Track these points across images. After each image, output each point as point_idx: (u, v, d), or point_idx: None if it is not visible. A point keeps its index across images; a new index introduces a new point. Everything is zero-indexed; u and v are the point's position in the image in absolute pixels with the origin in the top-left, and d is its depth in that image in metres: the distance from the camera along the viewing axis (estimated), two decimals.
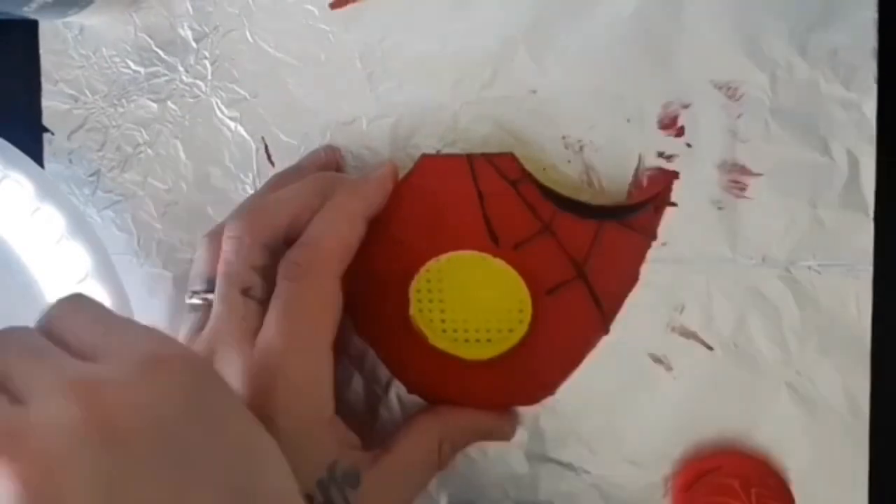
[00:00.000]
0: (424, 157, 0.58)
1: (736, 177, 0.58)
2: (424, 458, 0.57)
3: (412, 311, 0.58)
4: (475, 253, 0.57)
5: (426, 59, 0.61)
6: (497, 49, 0.60)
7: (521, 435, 0.61)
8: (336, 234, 0.53)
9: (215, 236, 0.55)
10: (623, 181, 0.60)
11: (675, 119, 0.59)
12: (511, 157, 0.57)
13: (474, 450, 0.61)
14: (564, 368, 0.59)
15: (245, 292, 0.52)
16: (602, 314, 0.58)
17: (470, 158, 0.57)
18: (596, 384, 0.60)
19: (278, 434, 0.48)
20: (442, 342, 0.58)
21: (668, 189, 0.59)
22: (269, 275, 0.53)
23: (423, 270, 0.58)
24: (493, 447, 0.61)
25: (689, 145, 0.59)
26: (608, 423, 0.60)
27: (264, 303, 0.52)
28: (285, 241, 0.54)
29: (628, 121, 0.59)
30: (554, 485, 0.61)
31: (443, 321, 0.58)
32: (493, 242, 0.57)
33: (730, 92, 0.58)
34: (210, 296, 0.54)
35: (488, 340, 0.58)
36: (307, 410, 0.52)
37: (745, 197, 0.58)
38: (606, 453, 0.60)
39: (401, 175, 0.58)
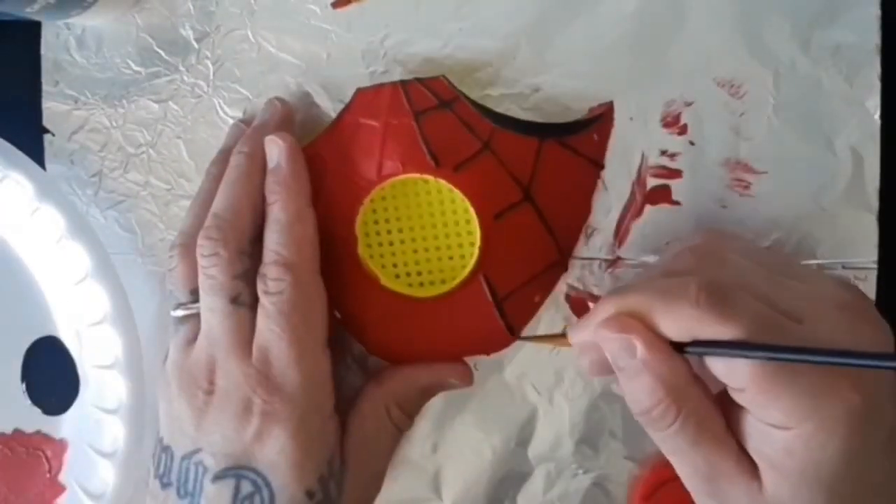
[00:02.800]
0: (359, 90, 0.57)
1: (739, 174, 0.57)
2: (377, 428, 0.57)
3: (360, 250, 0.57)
4: (417, 176, 0.56)
5: (429, 57, 0.60)
6: (500, 47, 0.59)
7: (523, 434, 0.60)
8: (297, 240, 0.54)
9: (187, 248, 0.56)
10: (626, 180, 0.58)
11: (677, 117, 0.58)
12: (443, 80, 0.57)
13: (477, 450, 0.61)
14: (525, 306, 0.59)
15: (234, 300, 0.53)
16: (556, 243, 0.58)
17: (403, 84, 0.57)
18: (598, 383, 0.59)
19: (286, 433, 0.51)
20: (393, 282, 0.57)
21: (610, 116, 0.58)
22: (251, 278, 0.54)
23: (367, 202, 0.56)
24: (496, 447, 0.61)
25: (692, 143, 0.58)
26: (610, 422, 0.59)
27: (253, 307, 0.53)
28: (254, 237, 0.55)
29: (631, 119, 0.58)
30: (557, 484, 0.60)
31: (393, 257, 0.57)
32: (434, 163, 0.56)
33: (733, 90, 0.57)
34: (196, 306, 0.55)
35: (442, 281, 0.57)
36: (311, 409, 0.53)
37: (748, 195, 0.58)
38: (608, 452, 0.60)
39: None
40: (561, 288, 0.59)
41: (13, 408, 0.64)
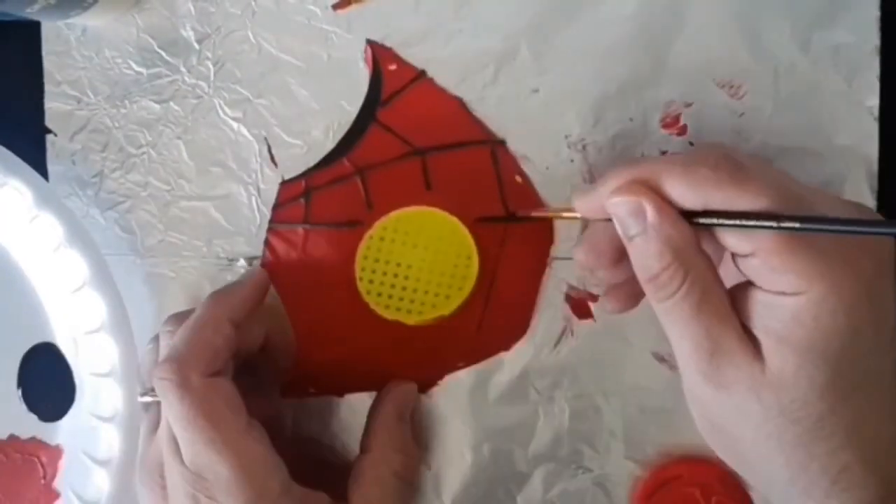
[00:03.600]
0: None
1: None
2: (382, 494, 0.57)
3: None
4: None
5: (428, 58, 0.59)
6: (499, 48, 0.59)
7: (523, 434, 0.60)
8: (198, 340, 0.54)
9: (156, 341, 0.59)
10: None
11: (677, 118, 0.57)
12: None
13: (478, 448, 0.60)
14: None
15: None
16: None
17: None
18: (600, 383, 0.59)
19: None
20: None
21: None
22: None
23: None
24: (495, 447, 0.60)
25: (691, 144, 0.57)
26: (611, 422, 0.59)
27: None
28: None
29: (631, 120, 0.58)
30: (558, 484, 0.59)
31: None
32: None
33: (732, 90, 0.57)
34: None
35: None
36: (253, 495, 0.52)
37: None
38: (609, 452, 0.59)
39: None
40: (561, 287, 0.59)
41: (9, 413, 0.64)
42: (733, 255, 0.45)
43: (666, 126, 0.58)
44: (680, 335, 0.45)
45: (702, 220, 0.44)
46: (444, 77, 0.59)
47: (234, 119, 0.61)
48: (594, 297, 0.59)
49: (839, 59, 0.56)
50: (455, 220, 0.58)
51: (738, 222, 0.42)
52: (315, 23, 0.60)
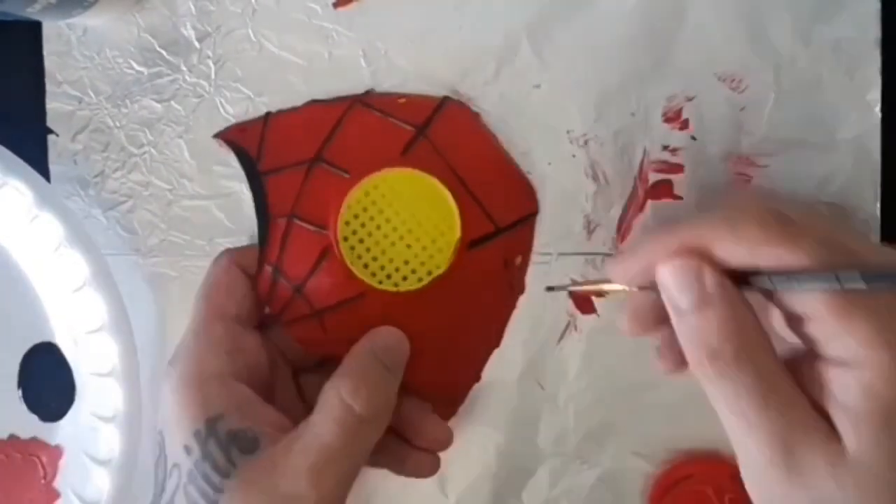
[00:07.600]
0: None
1: (741, 169, 0.56)
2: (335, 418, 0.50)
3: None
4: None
5: (430, 55, 0.58)
6: (500, 44, 0.58)
7: (528, 430, 0.59)
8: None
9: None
10: (628, 175, 0.57)
11: (679, 112, 0.57)
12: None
13: (483, 445, 0.59)
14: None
15: None
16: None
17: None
18: (603, 378, 0.58)
19: (168, 392, 0.54)
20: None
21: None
22: None
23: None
24: (500, 444, 0.59)
25: (693, 138, 0.57)
26: (615, 417, 0.59)
27: None
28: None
29: (632, 114, 0.57)
30: (562, 479, 0.59)
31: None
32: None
33: (734, 84, 0.56)
34: None
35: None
36: (190, 367, 0.54)
37: (750, 189, 0.56)
38: (614, 446, 0.59)
39: None
40: (564, 282, 0.58)
41: (9, 413, 0.63)
42: (788, 321, 0.43)
43: (668, 120, 0.57)
44: (746, 424, 0.41)
45: (758, 284, 0.41)
46: (446, 74, 0.58)
47: (236, 117, 0.60)
48: (598, 293, 0.58)
49: (840, 53, 0.56)
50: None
51: (796, 284, 0.40)
52: (315, 21, 0.59)
